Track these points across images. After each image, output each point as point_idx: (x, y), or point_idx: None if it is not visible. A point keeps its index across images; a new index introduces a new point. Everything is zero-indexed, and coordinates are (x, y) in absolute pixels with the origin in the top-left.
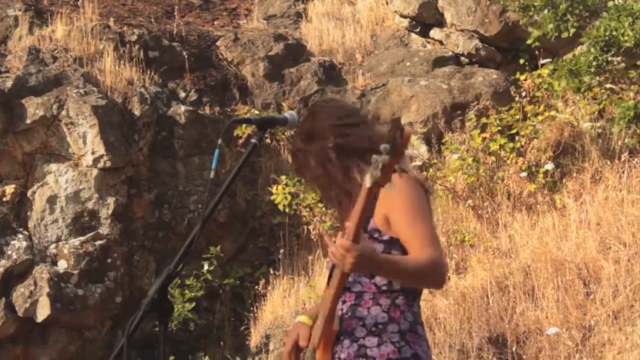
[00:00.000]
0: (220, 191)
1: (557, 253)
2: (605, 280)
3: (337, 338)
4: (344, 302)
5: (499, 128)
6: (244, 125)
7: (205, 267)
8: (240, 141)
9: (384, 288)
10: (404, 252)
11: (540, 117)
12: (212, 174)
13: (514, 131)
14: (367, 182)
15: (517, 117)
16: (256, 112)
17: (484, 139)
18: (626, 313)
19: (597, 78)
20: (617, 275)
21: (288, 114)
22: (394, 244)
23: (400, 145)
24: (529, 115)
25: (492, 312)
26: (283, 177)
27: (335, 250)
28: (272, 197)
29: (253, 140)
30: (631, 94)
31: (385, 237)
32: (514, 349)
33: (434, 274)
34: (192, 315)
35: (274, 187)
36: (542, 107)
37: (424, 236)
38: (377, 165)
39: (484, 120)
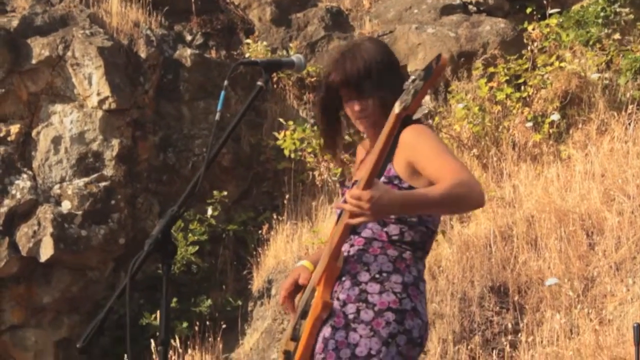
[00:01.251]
0: (225, 133)
1: (561, 204)
2: (608, 232)
3: (339, 278)
4: (352, 245)
5: (507, 77)
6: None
7: (209, 211)
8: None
9: (395, 238)
10: None
11: (549, 68)
12: (217, 116)
13: (521, 81)
14: (397, 107)
15: (526, 66)
16: (261, 56)
17: (491, 88)
18: (628, 265)
19: (605, 30)
20: (620, 227)
21: (295, 57)
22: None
23: (435, 70)
24: (538, 64)
25: (494, 261)
26: (290, 123)
27: (348, 203)
28: (279, 143)
29: (259, 83)
30: (639, 46)
31: (405, 185)
32: (515, 298)
33: (468, 192)
34: (195, 258)
35: (281, 133)
36: (553, 58)
37: (454, 167)
38: (409, 91)
39: (491, 69)
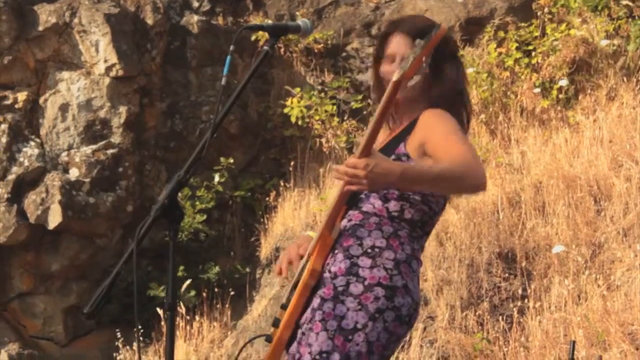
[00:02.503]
0: (232, 97)
1: (569, 170)
2: (616, 198)
3: (331, 249)
4: (350, 220)
5: (517, 44)
6: (259, 33)
7: (216, 178)
8: (260, 43)
9: (395, 214)
10: None
11: (558, 35)
12: (223, 81)
13: (531, 47)
14: (395, 75)
15: (536, 34)
16: (269, 22)
17: (500, 53)
18: (636, 230)
19: None
20: (628, 193)
21: (301, 21)
22: None
23: (433, 38)
24: (547, 31)
25: (502, 227)
26: (298, 90)
27: (343, 171)
28: (286, 110)
29: (265, 48)
30: None
31: (412, 163)
32: (523, 264)
33: (466, 173)
34: (202, 226)
35: (289, 100)
36: (563, 27)
37: (461, 150)
38: (409, 59)
39: (501, 34)
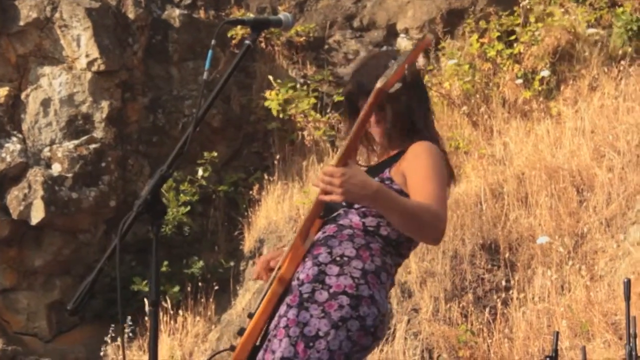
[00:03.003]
0: (214, 92)
1: (551, 160)
2: (598, 188)
3: (302, 259)
4: (324, 232)
5: (499, 34)
6: (238, 27)
7: (200, 172)
8: (234, 42)
9: (371, 229)
10: None
11: (540, 24)
12: (205, 75)
13: (513, 38)
14: (379, 82)
15: (518, 22)
16: (251, 15)
17: (482, 44)
18: (618, 221)
19: None
20: (611, 183)
21: (282, 15)
22: (403, 195)
23: (417, 47)
24: (530, 19)
25: (485, 219)
26: (278, 82)
27: (320, 179)
28: (266, 103)
29: (247, 42)
30: (628, 4)
31: (396, 187)
32: (506, 255)
33: (431, 222)
34: (186, 219)
35: (268, 92)
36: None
37: (436, 195)
38: (392, 67)
39: (483, 24)
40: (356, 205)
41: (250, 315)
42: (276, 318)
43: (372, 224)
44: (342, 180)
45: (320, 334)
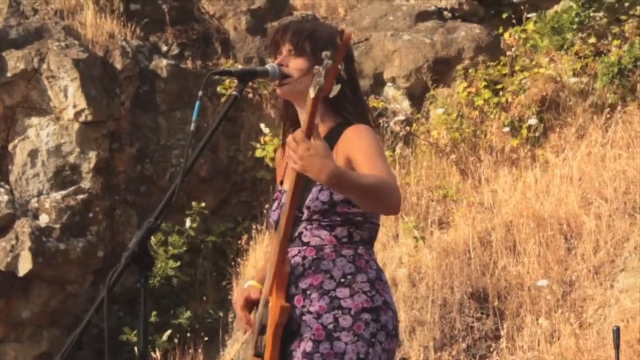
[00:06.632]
0: (201, 142)
1: (539, 208)
2: (586, 236)
3: (303, 292)
4: (304, 257)
5: (485, 83)
6: (227, 82)
7: (188, 223)
8: (223, 99)
9: (345, 240)
10: None
11: (527, 73)
12: (192, 126)
13: (500, 87)
14: (312, 92)
15: (504, 72)
16: (239, 66)
17: (469, 93)
18: (607, 268)
19: (580, 34)
20: (598, 231)
21: (269, 65)
22: None
23: (340, 46)
24: (516, 69)
25: (474, 267)
26: (268, 131)
27: (288, 142)
28: (257, 153)
29: (234, 93)
30: (614, 49)
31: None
32: (495, 303)
33: (388, 193)
34: (174, 272)
35: (262, 138)
36: (533, 63)
37: (386, 170)
38: (320, 73)
39: (472, 72)
40: (314, 217)
41: (259, 355)
42: (301, 356)
43: (344, 234)
44: (303, 154)
45: (362, 356)
